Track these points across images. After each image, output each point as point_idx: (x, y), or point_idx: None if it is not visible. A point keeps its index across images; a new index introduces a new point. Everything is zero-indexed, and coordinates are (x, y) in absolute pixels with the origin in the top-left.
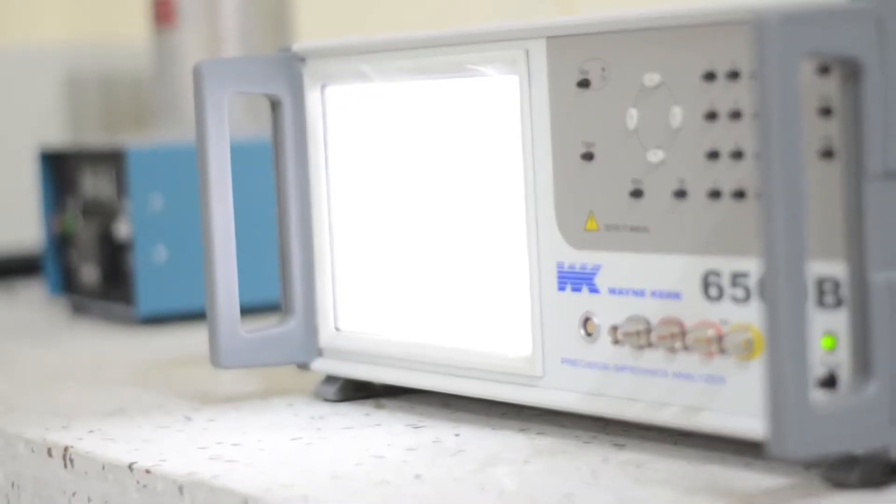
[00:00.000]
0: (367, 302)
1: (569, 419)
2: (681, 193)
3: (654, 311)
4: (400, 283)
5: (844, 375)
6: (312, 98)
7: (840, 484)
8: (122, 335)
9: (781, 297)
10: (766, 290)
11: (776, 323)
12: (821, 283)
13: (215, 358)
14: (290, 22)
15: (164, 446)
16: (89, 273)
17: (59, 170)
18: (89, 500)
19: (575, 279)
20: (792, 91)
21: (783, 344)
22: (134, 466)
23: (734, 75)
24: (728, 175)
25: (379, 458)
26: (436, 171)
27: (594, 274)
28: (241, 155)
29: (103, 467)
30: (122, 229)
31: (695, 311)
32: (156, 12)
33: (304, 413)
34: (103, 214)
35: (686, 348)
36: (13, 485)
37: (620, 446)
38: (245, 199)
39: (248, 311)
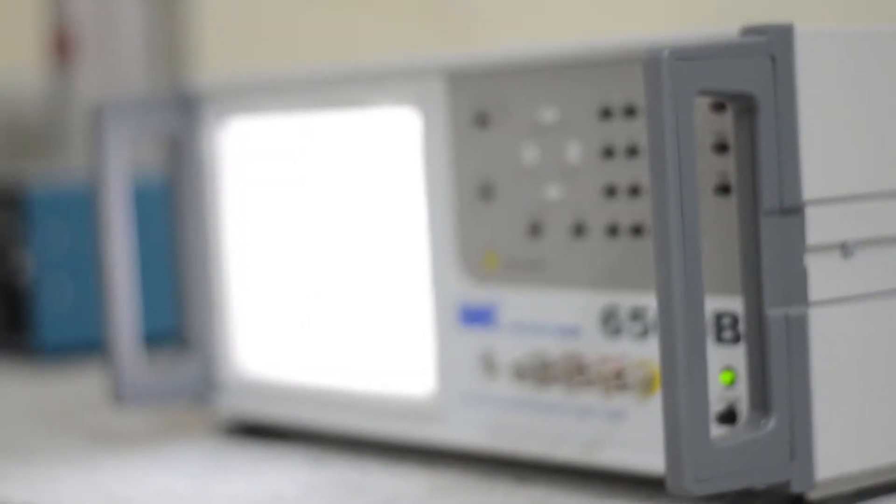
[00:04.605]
0: (269, 339)
1: (472, 455)
2: (579, 229)
3: (554, 346)
4: (301, 320)
5: (744, 410)
6: (211, 134)
7: None
8: (24, 374)
9: (678, 332)
10: (662, 326)
11: (673, 359)
12: (719, 318)
13: (116, 396)
14: (188, 58)
15: (63, 487)
16: None
17: None
18: None
19: (476, 315)
20: (685, 127)
21: (680, 379)
22: None
23: (630, 112)
24: (625, 211)
25: (280, 496)
26: (337, 209)
27: (495, 310)
28: (138, 191)
29: None
30: (24, 268)
31: (594, 346)
32: (53, 45)
33: (205, 450)
34: (4, 253)
35: (586, 384)
36: None
37: (523, 481)
38: (143, 236)
39: (149, 348)
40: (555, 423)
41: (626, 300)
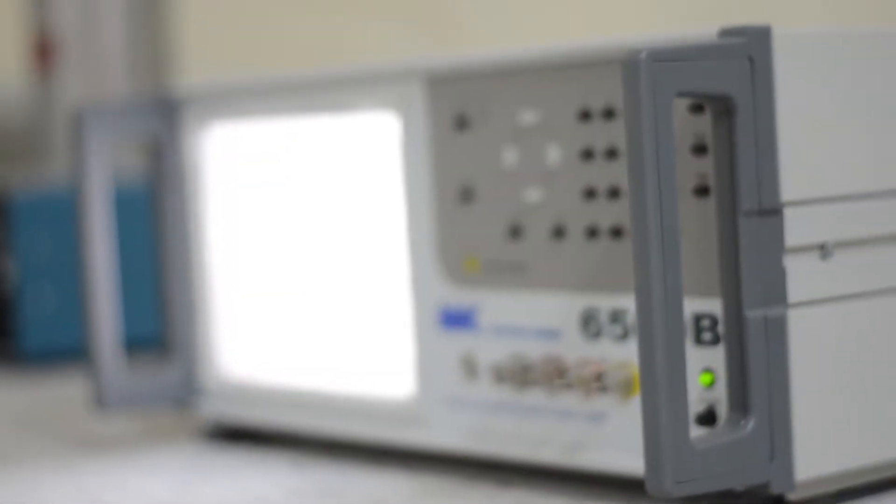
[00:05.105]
0: (251, 344)
1: (453, 458)
2: (559, 232)
3: (534, 349)
4: (283, 324)
5: (723, 412)
6: (193, 139)
7: None
8: (7, 380)
9: (657, 334)
10: (641, 328)
11: (652, 361)
12: (698, 319)
13: (98, 401)
14: (170, 62)
15: (46, 492)
16: None
17: None
18: None
19: (456, 318)
20: (664, 129)
21: (660, 381)
22: None
23: (609, 114)
24: (605, 213)
25: (262, 500)
26: (318, 213)
27: (475, 313)
28: (120, 195)
29: None
30: (7, 275)
31: (574, 348)
32: (35, 51)
33: (187, 454)
34: None
35: (566, 386)
36: None
37: (505, 484)
38: (125, 241)
39: (132, 352)
40: (535, 425)
41: (606, 302)
